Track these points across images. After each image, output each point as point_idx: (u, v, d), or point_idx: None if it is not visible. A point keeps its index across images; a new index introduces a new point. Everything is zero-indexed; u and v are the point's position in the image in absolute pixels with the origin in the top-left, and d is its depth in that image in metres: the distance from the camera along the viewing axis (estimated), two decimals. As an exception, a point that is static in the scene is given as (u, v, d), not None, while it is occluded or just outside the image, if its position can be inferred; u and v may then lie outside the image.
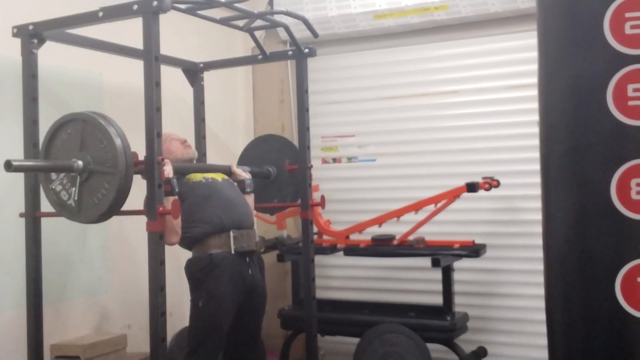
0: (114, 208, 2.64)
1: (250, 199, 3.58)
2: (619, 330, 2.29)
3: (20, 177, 3.06)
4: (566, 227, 2.41)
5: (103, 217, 2.69)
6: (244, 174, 3.64)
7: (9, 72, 3.15)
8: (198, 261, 3.18)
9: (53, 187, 2.78)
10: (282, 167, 3.96)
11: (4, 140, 3.15)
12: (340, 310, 4.27)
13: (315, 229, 4.26)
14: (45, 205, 3.10)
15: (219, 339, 3.14)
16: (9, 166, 2.45)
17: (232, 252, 3.18)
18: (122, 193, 2.62)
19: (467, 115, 4.47)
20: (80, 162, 2.67)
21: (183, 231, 3.12)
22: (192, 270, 3.19)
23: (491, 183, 4.04)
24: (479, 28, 4.42)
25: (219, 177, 3.44)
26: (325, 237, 4.44)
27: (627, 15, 2.23)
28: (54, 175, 2.79)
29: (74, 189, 2.71)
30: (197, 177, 3.35)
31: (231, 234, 3.19)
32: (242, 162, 4.03)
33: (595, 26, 2.26)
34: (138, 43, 2.77)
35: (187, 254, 3.29)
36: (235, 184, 3.52)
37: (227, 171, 3.60)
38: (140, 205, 2.83)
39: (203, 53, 4.28)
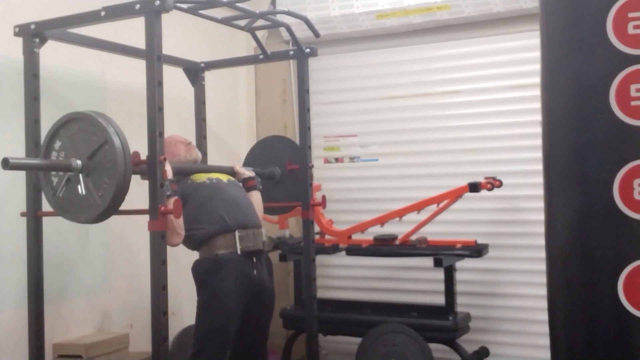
0: (112, 207, 2.63)
1: (258, 197, 3.56)
2: (622, 330, 2.28)
3: (21, 176, 3.07)
4: (569, 228, 2.40)
5: (101, 216, 2.68)
6: (247, 172, 3.62)
7: (10, 72, 3.15)
8: (204, 262, 3.16)
9: (52, 184, 2.76)
10: (287, 169, 3.96)
11: (5, 140, 3.15)
12: (343, 310, 4.27)
13: (317, 229, 4.26)
14: (47, 205, 3.10)
15: (223, 341, 3.09)
16: (5, 164, 2.43)
17: (238, 252, 3.16)
18: (121, 192, 2.61)
19: (469, 115, 4.46)
20: (78, 162, 2.64)
21: (189, 233, 3.10)
22: (198, 272, 3.17)
23: (494, 183, 4.04)
24: (482, 28, 4.42)
25: (224, 177, 3.41)
26: (327, 236, 4.44)
27: (630, 15, 2.22)
28: (54, 175, 2.78)
29: (72, 188, 2.69)
30: (202, 177, 3.33)
31: (236, 233, 3.17)
32: (247, 163, 4.02)
33: (598, 26, 2.26)
34: (140, 42, 2.77)
35: (189, 254, 3.28)
36: (241, 184, 3.50)
37: (230, 172, 3.58)
38: (141, 205, 2.82)
39: (205, 53, 4.28)
